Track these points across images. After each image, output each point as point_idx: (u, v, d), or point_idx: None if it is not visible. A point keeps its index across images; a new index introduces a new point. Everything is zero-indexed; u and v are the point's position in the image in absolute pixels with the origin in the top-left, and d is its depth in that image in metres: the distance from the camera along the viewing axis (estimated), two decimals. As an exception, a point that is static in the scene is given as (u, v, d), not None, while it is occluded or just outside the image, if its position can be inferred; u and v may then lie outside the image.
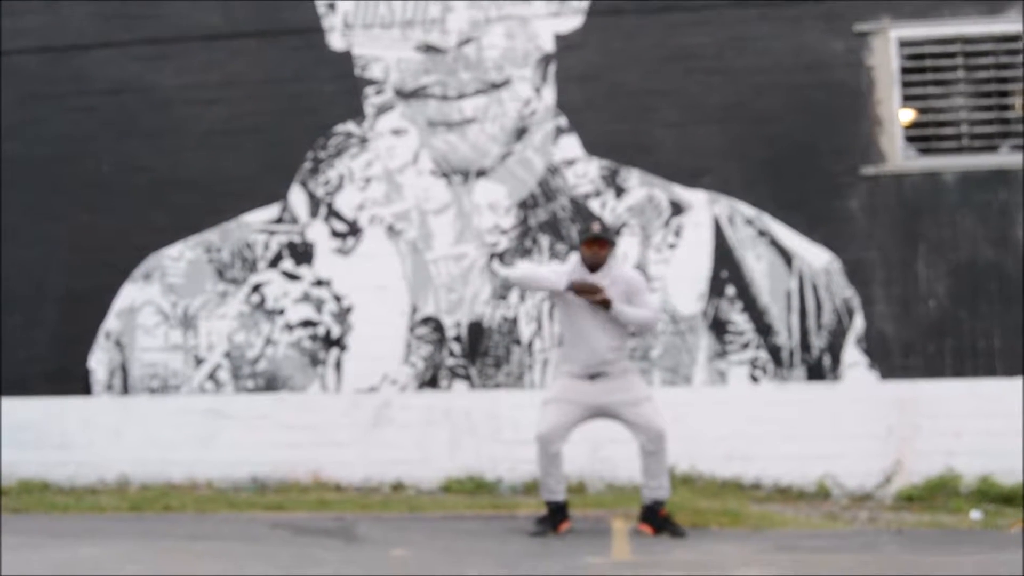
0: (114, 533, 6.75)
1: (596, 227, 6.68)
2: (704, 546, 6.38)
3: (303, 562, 5.80)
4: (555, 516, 6.81)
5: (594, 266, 6.66)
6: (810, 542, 6.52)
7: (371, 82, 9.43)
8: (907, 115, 8.98)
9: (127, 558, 5.88)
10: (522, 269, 7.03)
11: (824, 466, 8.64)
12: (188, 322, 9.39)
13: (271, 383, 9.25)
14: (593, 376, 6.65)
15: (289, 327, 9.29)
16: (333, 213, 9.37)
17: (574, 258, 6.85)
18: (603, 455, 8.59)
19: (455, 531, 6.91)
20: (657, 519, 6.74)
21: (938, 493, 8.39)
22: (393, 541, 6.50)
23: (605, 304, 6.55)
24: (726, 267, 8.96)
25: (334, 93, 9.47)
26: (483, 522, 7.26)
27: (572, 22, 9.33)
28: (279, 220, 9.42)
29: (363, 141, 9.40)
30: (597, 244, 6.63)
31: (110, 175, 9.63)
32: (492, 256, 9.17)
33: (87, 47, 9.82)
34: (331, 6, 9.57)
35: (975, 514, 7.71)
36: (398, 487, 8.96)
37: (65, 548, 6.12)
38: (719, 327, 8.91)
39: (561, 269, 6.84)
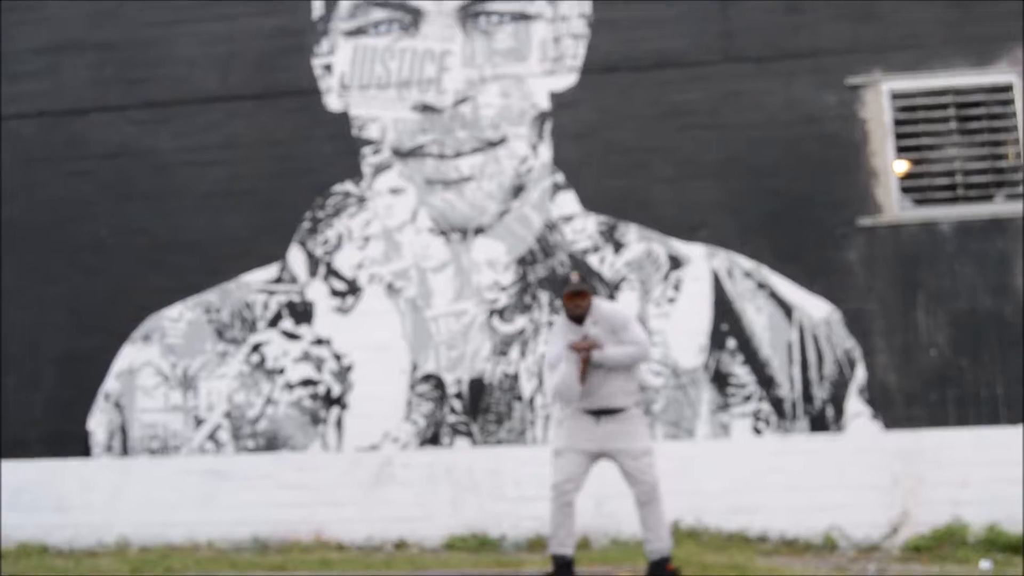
0: (116, 596, 6.67)
1: (575, 278, 6.63)
2: (713, 598, 6.31)
3: (309, 619, 5.73)
4: (561, 573, 6.71)
5: (578, 318, 6.63)
6: (820, 593, 6.45)
7: (368, 142, 9.49)
8: (902, 166, 9.05)
9: (131, 618, 5.81)
10: (554, 382, 6.77)
11: (830, 517, 8.58)
12: (188, 383, 9.35)
13: (271, 443, 9.19)
14: (598, 413, 6.60)
15: (289, 386, 9.25)
16: (332, 272, 9.38)
17: (560, 316, 6.80)
18: (607, 510, 8.52)
19: (460, 588, 6.83)
20: (664, 574, 6.66)
21: (945, 543, 8.33)
22: (398, 598, 6.42)
23: (586, 360, 6.53)
24: (726, 320, 8.96)
25: (331, 153, 9.53)
26: (488, 580, 7.18)
27: (567, 80, 9.43)
28: (278, 280, 9.42)
29: (361, 200, 9.44)
30: (578, 297, 6.61)
31: (109, 238, 9.65)
32: (492, 312, 9.17)
33: (85, 111, 9.90)
34: (327, 67, 9.66)
35: (984, 564, 7.65)
36: (401, 545, 8.87)
37: (67, 610, 6.04)
38: (721, 380, 8.90)
39: (558, 339, 6.74)
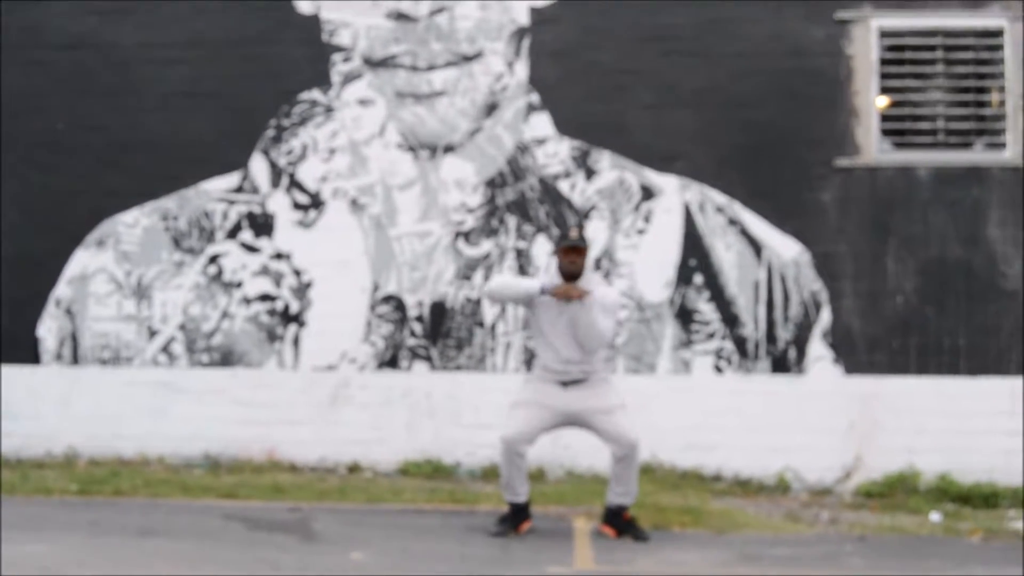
0: (62, 525, 6.51)
1: (574, 234, 6.47)
2: (667, 553, 6.29)
3: (259, 566, 5.64)
4: (517, 516, 6.69)
5: (571, 275, 6.45)
6: (773, 550, 6.45)
7: (338, 49, 9.13)
8: (884, 107, 8.85)
9: (76, 559, 5.67)
10: (497, 279, 6.59)
11: (785, 459, 8.61)
12: (142, 292, 9.11)
13: (226, 358, 9.02)
14: (566, 384, 6.51)
15: (246, 301, 9.05)
16: (295, 184, 9.10)
17: (551, 265, 6.66)
18: (564, 443, 8.44)
19: (414, 528, 6.76)
20: (620, 522, 6.65)
21: (897, 490, 8.39)
22: (351, 540, 6.35)
23: (581, 296, 6.34)
24: (695, 255, 8.83)
25: (300, 59, 9.15)
26: (442, 517, 7.11)
27: (548, -6, 9.08)
28: (239, 189, 9.14)
29: (328, 110, 9.12)
30: (575, 252, 6.43)
31: (64, 134, 9.27)
32: (457, 235, 8.97)
33: (41, -1, 9.42)
34: (298, -33, 9.23)
35: (934, 516, 7.70)
36: (355, 468, 8.81)
37: (11, 544, 5.86)
38: (685, 316, 8.80)
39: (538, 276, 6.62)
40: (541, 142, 8.99)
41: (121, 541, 6.16)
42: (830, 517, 7.66)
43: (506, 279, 6.61)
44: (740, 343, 8.77)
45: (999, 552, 6.56)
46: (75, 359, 9.10)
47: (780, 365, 8.75)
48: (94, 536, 6.28)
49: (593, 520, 7.01)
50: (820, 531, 7.19)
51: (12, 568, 5.42)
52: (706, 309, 8.80)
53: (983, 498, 8.19)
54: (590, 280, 6.52)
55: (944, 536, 7.13)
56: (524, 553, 6.20)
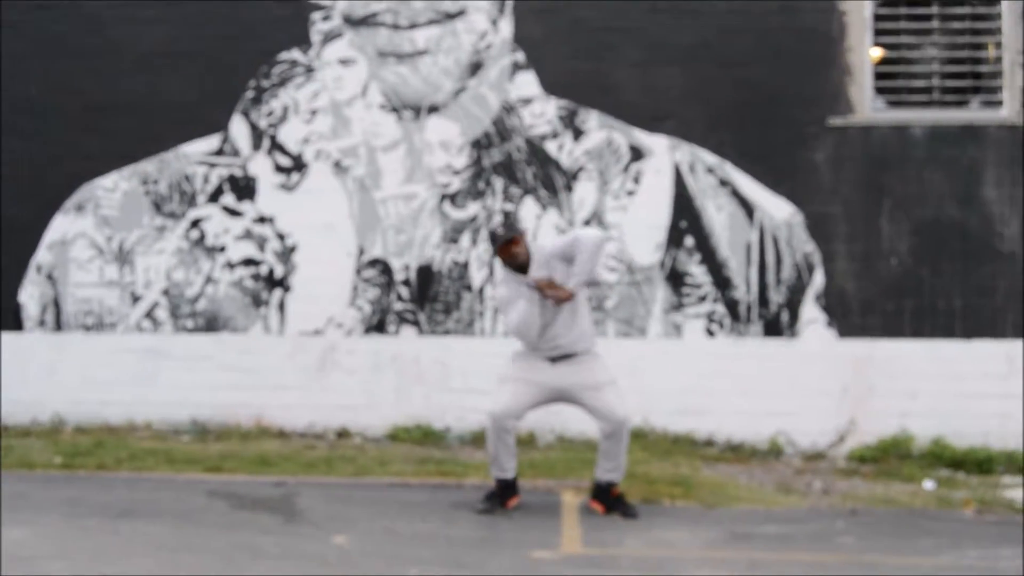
0: (43, 505, 6.39)
1: (500, 231, 6.26)
2: (655, 532, 6.20)
3: (239, 554, 5.55)
4: (504, 492, 6.60)
5: (520, 267, 6.30)
6: (763, 528, 6.37)
7: (318, 7, 8.90)
8: (878, 64, 8.65)
9: (55, 547, 5.57)
10: (513, 320, 6.34)
11: (778, 423, 8.55)
12: (124, 257, 8.96)
13: (211, 323, 8.90)
14: (555, 360, 6.39)
15: (230, 265, 8.91)
16: (277, 146, 8.92)
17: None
18: (554, 408, 8.27)
19: (400, 504, 6.67)
20: (609, 498, 6.56)
21: (890, 454, 8.34)
22: (335, 519, 6.26)
23: (569, 297, 6.21)
24: (685, 217, 8.68)
25: (279, 18, 8.94)
26: (429, 492, 7.02)
27: (533, -53, 8.82)
28: (220, 152, 8.95)
29: (309, 70, 8.91)
30: (511, 244, 6.26)
31: (39, 97, 9.05)
32: (443, 197, 8.80)
33: (14, -45, 9.16)
34: (278, -80, 8.95)
35: (928, 484, 7.63)
36: (343, 434, 8.75)
37: (-9, 527, 5.82)
38: (676, 279, 8.68)
39: (513, 281, 6.39)
40: (527, 102, 8.79)
41: (100, 524, 6.04)
42: (822, 487, 7.57)
43: (518, 319, 6.26)
44: (732, 306, 8.65)
45: (993, 528, 6.48)
46: (58, 325, 8.97)
47: (772, 328, 8.64)
48: (74, 518, 6.16)
49: (582, 494, 6.93)
50: (812, 503, 7.10)
51: (-9, 557, 5.34)
52: (697, 272, 8.67)
53: (977, 463, 8.13)
54: (540, 262, 6.29)
55: (937, 508, 7.03)
56: (510, 534, 6.11)
